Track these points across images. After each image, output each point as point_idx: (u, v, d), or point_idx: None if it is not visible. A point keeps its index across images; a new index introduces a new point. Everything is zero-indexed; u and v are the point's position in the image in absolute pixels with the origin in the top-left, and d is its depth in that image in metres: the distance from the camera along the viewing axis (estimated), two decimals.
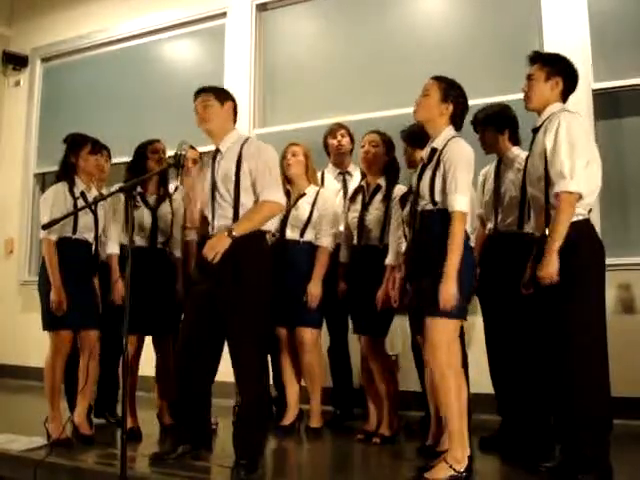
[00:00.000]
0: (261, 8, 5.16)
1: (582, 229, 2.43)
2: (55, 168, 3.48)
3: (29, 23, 6.22)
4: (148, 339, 3.49)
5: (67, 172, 3.34)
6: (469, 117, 2.88)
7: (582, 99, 3.74)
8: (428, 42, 4.51)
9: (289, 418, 3.49)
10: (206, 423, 2.97)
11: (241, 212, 2.76)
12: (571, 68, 2.63)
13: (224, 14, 5.25)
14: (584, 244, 2.42)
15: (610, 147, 3.87)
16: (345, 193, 3.84)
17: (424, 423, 3.17)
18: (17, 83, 6.26)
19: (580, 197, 2.42)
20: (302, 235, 3.49)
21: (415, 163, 3.14)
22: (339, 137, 3.93)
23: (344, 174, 3.96)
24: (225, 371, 2.80)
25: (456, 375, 2.59)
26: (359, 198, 3.47)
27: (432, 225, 2.58)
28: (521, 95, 2.69)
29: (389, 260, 3.21)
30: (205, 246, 2.72)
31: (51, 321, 3.18)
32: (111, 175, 3.79)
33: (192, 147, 2.88)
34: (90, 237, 3.32)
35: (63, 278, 3.16)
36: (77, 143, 3.36)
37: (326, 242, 3.48)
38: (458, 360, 2.64)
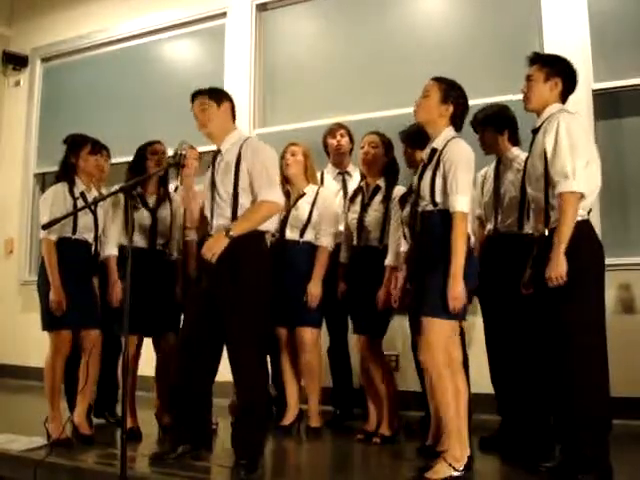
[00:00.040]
0: (261, 8, 5.16)
1: (582, 230, 2.43)
2: (55, 168, 3.48)
3: (29, 23, 6.22)
4: (148, 339, 3.49)
5: (67, 172, 3.34)
6: (469, 117, 2.88)
7: (582, 99, 3.73)
8: (428, 42, 4.51)
9: (289, 418, 3.49)
10: (206, 423, 2.97)
11: (239, 212, 2.77)
12: (570, 69, 2.63)
13: (224, 14, 5.25)
14: (584, 245, 2.42)
15: (610, 147, 3.87)
16: (345, 193, 3.84)
17: (424, 423, 3.17)
18: (17, 83, 6.25)
19: (582, 197, 2.42)
20: (302, 235, 3.49)
21: (415, 163, 3.14)
22: (338, 137, 3.93)
23: (343, 174, 3.96)
24: (225, 371, 2.79)
25: (455, 374, 2.60)
26: (358, 199, 3.47)
27: (433, 226, 2.58)
28: (521, 95, 2.69)
29: (389, 261, 3.21)
30: (203, 246, 2.73)
31: (51, 321, 3.18)
32: (111, 175, 3.79)
33: (192, 147, 2.88)
34: (90, 237, 3.32)
35: (63, 278, 3.16)
36: (77, 143, 3.37)
37: (326, 242, 3.48)
38: (458, 360, 2.65)
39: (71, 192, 3.29)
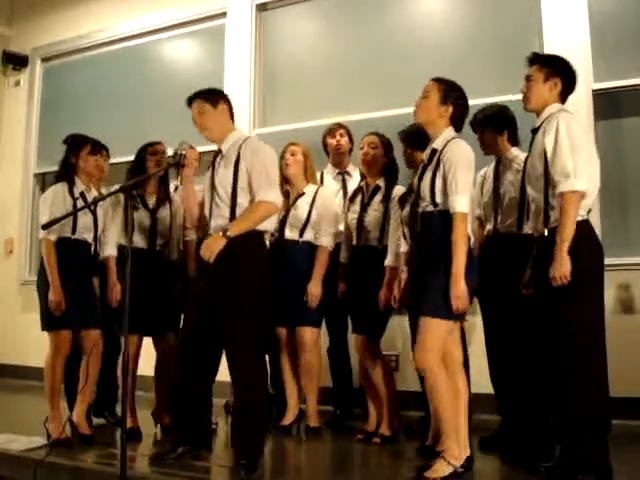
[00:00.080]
0: (261, 8, 5.16)
1: (582, 230, 2.42)
2: (55, 168, 3.48)
3: (29, 23, 6.22)
4: (147, 340, 3.49)
5: (67, 172, 3.35)
6: (469, 117, 2.88)
7: (582, 99, 3.74)
8: (428, 42, 4.51)
9: (289, 418, 3.49)
10: (206, 423, 2.97)
11: (238, 212, 2.76)
12: (570, 69, 2.63)
13: (224, 14, 5.25)
14: (583, 245, 2.42)
15: (610, 147, 3.88)
16: (345, 193, 3.84)
17: (424, 423, 3.17)
18: (17, 83, 6.25)
19: (583, 195, 2.42)
20: (301, 235, 3.49)
21: (415, 163, 3.14)
22: (338, 137, 3.93)
23: (343, 174, 3.96)
24: (225, 371, 2.79)
25: (456, 375, 2.61)
26: (358, 199, 3.47)
27: (433, 227, 2.58)
28: (521, 95, 2.69)
29: (388, 261, 3.21)
30: (201, 246, 2.73)
31: (50, 321, 3.18)
32: (111, 175, 3.79)
33: (192, 147, 2.88)
34: (89, 237, 3.32)
35: (62, 278, 3.16)
36: (77, 144, 3.37)
37: (326, 242, 3.48)
38: (458, 360, 2.66)
39: (71, 192, 3.29)
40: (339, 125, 3.99)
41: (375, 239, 3.36)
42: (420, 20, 4.65)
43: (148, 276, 3.28)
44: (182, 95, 2.93)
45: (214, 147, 2.97)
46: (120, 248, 3.40)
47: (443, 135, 2.64)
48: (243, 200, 2.78)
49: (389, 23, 4.65)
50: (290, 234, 3.50)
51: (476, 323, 3.39)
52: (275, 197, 2.78)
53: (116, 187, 3.00)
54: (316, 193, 3.53)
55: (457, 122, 2.68)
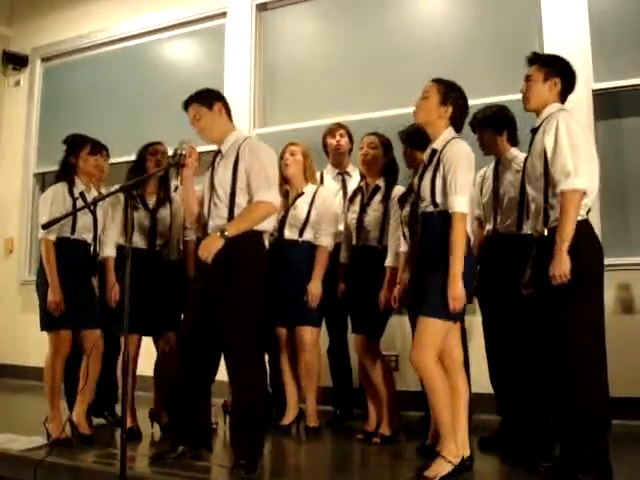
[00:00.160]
0: (261, 8, 5.16)
1: (581, 230, 2.42)
2: (55, 168, 3.48)
3: (29, 23, 6.22)
4: (147, 340, 3.49)
5: (67, 172, 3.35)
6: (468, 118, 2.88)
7: (582, 99, 3.74)
8: (428, 42, 4.51)
9: (289, 418, 3.50)
10: (206, 423, 2.97)
11: (236, 212, 2.76)
12: (569, 69, 2.63)
13: (224, 14, 5.25)
14: (583, 245, 2.42)
15: (610, 147, 3.88)
16: (344, 193, 3.84)
17: (424, 423, 3.17)
18: (17, 83, 6.25)
19: (584, 194, 2.42)
20: (301, 235, 3.49)
21: (414, 163, 3.14)
22: (338, 137, 3.93)
23: (343, 174, 3.96)
24: (225, 371, 2.79)
25: (456, 374, 2.61)
26: (358, 199, 3.48)
27: (433, 227, 2.58)
28: (521, 95, 2.69)
29: (389, 261, 3.21)
30: (199, 246, 2.73)
31: (49, 321, 3.18)
32: (111, 175, 3.79)
33: (192, 147, 2.88)
34: (89, 237, 3.32)
35: (61, 278, 3.16)
36: (77, 144, 3.37)
37: (325, 241, 3.48)
38: (458, 360, 2.66)
39: (71, 192, 3.29)
40: (339, 125, 3.99)
41: (375, 239, 3.36)
42: (420, 20, 4.65)
43: (148, 276, 3.28)
44: (182, 95, 2.93)
45: (214, 147, 2.97)
46: (120, 248, 3.40)
47: (443, 135, 2.64)
48: (242, 200, 2.77)
49: (389, 23, 4.65)
50: (289, 234, 3.50)
51: (476, 323, 3.38)
52: (274, 197, 2.78)
53: (116, 187, 3.00)
54: (315, 193, 3.53)
55: (457, 122, 2.68)
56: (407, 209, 3.04)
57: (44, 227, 3.03)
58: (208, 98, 2.88)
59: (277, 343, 3.53)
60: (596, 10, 3.99)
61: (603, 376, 2.42)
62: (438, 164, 2.58)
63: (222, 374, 2.82)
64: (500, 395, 3.11)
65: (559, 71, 2.61)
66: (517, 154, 3.09)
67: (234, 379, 2.74)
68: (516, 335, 2.89)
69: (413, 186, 2.86)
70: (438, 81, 2.68)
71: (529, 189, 2.66)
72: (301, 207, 3.50)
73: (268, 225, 2.86)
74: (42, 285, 3.20)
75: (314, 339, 3.48)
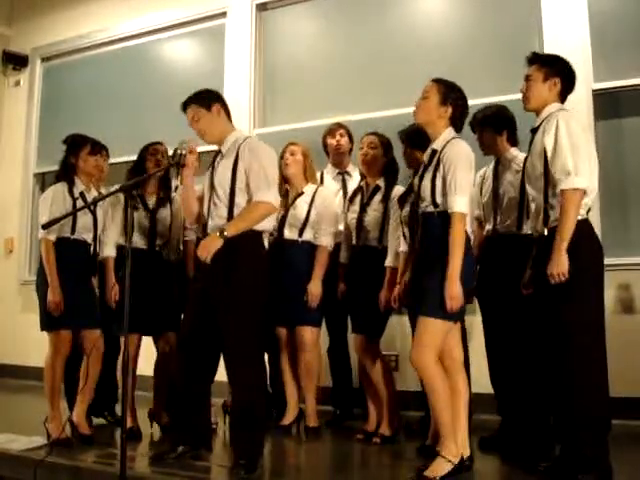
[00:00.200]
0: (261, 8, 5.16)
1: (581, 229, 2.42)
2: (55, 168, 3.49)
3: (29, 23, 6.22)
4: (147, 340, 3.49)
5: (67, 172, 3.35)
6: (468, 118, 2.88)
7: (582, 99, 3.74)
8: (428, 42, 4.51)
9: (289, 418, 3.50)
10: (206, 423, 2.97)
11: (236, 212, 2.76)
12: (569, 69, 2.63)
13: (224, 14, 5.25)
14: (583, 245, 2.42)
15: (610, 147, 3.88)
16: (345, 193, 3.84)
17: (424, 423, 3.17)
18: (17, 83, 6.25)
19: (585, 194, 2.42)
20: (301, 235, 3.49)
21: (414, 163, 3.14)
22: (338, 137, 3.93)
23: (343, 174, 3.96)
24: (224, 371, 2.79)
25: (456, 374, 2.61)
26: (358, 199, 3.48)
27: (433, 227, 2.58)
28: (521, 95, 2.70)
29: (389, 261, 3.22)
30: (198, 246, 2.73)
31: (49, 321, 3.18)
32: (111, 175, 3.79)
33: (192, 147, 2.88)
34: (89, 237, 3.32)
35: (61, 278, 3.16)
36: (77, 144, 3.37)
37: (325, 241, 3.48)
38: (458, 360, 2.66)
39: (71, 192, 3.29)
40: (339, 125, 3.99)
41: (375, 239, 3.36)
42: (420, 20, 4.65)
43: (148, 276, 3.28)
44: (182, 95, 2.93)
45: (214, 147, 2.97)
46: (120, 248, 3.40)
47: (443, 136, 2.64)
48: (241, 200, 2.77)
49: (389, 23, 4.65)
50: (289, 234, 3.50)
51: (476, 323, 3.38)
52: (273, 198, 2.77)
53: (116, 187, 3.00)
54: (315, 193, 3.53)
55: (457, 123, 2.68)
56: (407, 209, 3.04)
57: (44, 227, 3.03)
58: (206, 99, 2.87)
59: (277, 343, 3.53)
60: (596, 10, 3.99)
61: (603, 376, 2.42)
62: (438, 164, 2.58)
63: (222, 374, 2.81)
64: (500, 395, 3.11)
65: (559, 71, 2.61)
66: (517, 154, 3.09)
67: (234, 379, 2.74)
68: (516, 335, 2.89)
69: (413, 186, 2.86)
70: (438, 81, 2.68)
71: (529, 189, 2.66)
72: (301, 207, 3.50)
73: (268, 225, 2.86)
74: (42, 285, 3.20)
75: (314, 339, 3.48)
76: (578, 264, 2.37)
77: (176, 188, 3.62)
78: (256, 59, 5.10)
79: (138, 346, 3.44)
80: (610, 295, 3.51)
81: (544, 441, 2.73)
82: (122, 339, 3.00)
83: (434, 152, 2.63)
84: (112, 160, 3.86)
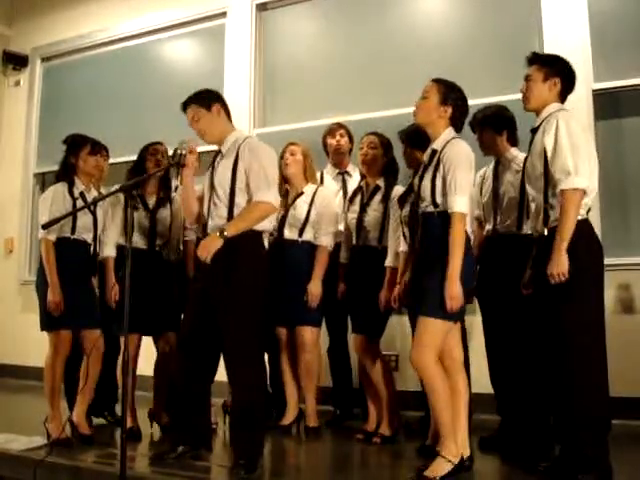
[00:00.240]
0: (261, 8, 5.16)
1: (581, 229, 2.43)
2: (55, 168, 3.48)
3: (29, 23, 6.22)
4: (147, 340, 3.49)
5: (67, 172, 3.35)
6: (468, 118, 2.88)
7: (582, 99, 3.74)
8: (428, 42, 4.51)
9: (288, 418, 3.50)
10: (206, 423, 2.97)
11: (235, 212, 2.76)
12: (569, 69, 2.63)
13: (224, 14, 5.25)
14: (583, 245, 2.42)
15: (610, 147, 3.88)
16: (345, 193, 3.84)
17: (424, 423, 3.17)
18: (17, 83, 6.25)
19: (585, 193, 2.42)
20: (300, 235, 3.49)
21: (414, 163, 3.14)
22: (338, 137, 3.93)
23: (343, 174, 3.96)
24: (224, 371, 2.79)
25: (456, 374, 2.61)
26: (358, 199, 3.48)
27: (433, 227, 2.58)
28: (521, 95, 2.70)
29: (389, 261, 3.22)
30: (198, 246, 2.73)
31: (49, 321, 3.18)
32: (111, 175, 3.79)
33: (192, 147, 2.88)
34: (89, 238, 3.32)
35: (61, 278, 3.16)
36: (77, 144, 3.37)
37: (325, 241, 3.48)
38: (458, 360, 2.66)
39: (70, 192, 3.29)
40: (339, 125, 3.99)
41: (375, 239, 3.36)
42: (420, 20, 4.65)
43: (148, 276, 3.28)
44: (182, 95, 2.93)
45: (214, 147, 2.97)
46: (120, 248, 3.40)
47: (443, 136, 2.64)
48: (241, 200, 2.77)
49: (389, 23, 4.65)
50: (289, 234, 3.50)
51: (476, 323, 3.38)
52: (273, 198, 2.77)
53: (116, 187, 3.00)
54: (315, 193, 3.53)
55: (457, 123, 2.68)
56: (407, 209, 3.04)
57: (44, 227, 3.03)
58: (206, 99, 2.87)
59: (277, 343, 3.53)
60: (596, 10, 3.99)
61: (603, 376, 2.42)
62: (438, 164, 2.58)
63: (222, 374, 2.81)
64: (500, 395, 3.11)
65: (559, 71, 2.61)
66: (517, 154, 3.09)
67: (234, 379, 2.74)
68: (516, 335, 2.89)
69: (413, 186, 2.86)
70: (438, 81, 2.68)
71: (529, 189, 2.66)
72: (301, 207, 3.50)
73: (268, 225, 2.86)
74: (42, 285, 3.20)
75: (314, 339, 3.48)
76: (578, 264, 2.37)
77: (176, 188, 3.62)
78: (256, 59, 5.10)
79: (138, 346, 3.44)
80: (610, 295, 3.51)
81: (544, 441, 2.73)
82: (122, 339, 3.00)
83: (434, 152, 2.63)
84: (112, 160, 3.87)
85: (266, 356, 3.48)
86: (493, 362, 3.11)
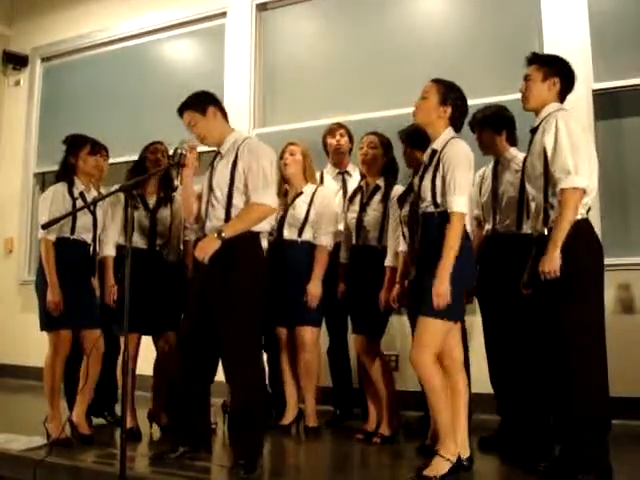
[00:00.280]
0: (261, 8, 5.16)
1: (581, 229, 2.43)
2: (55, 168, 3.48)
3: (29, 23, 6.22)
4: (147, 339, 3.49)
5: (66, 173, 3.34)
6: (468, 118, 2.88)
7: (582, 99, 3.74)
8: (428, 42, 4.51)
9: (288, 418, 3.49)
10: (205, 423, 2.97)
11: (233, 213, 2.75)
12: (568, 68, 2.63)
13: (224, 14, 5.25)
14: (583, 244, 2.42)
15: (610, 147, 3.88)
16: (345, 193, 3.84)
17: (424, 423, 3.17)
18: (17, 83, 6.25)
19: (584, 193, 2.42)
20: (300, 235, 3.49)
21: (414, 163, 3.14)
22: (338, 137, 3.93)
23: (343, 174, 3.96)
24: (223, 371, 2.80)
25: (456, 374, 2.61)
26: (357, 199, 3.47)
27: (433, 227, 2.57)
28: (520, 95, 2.70)
29: (388, 261, 3.21)
30: (196, 247, 2.73)
31: (49, 321, 3.18)
32: (111, 175, 3.79)
33: (192, 146, 2.88)
34: (88, 238, 3.32)
35: (61, 278, 3.16)
36: (76, 144, 3.37)
37: (325, 241, 3.47)
38: (458, 360, 2.66)
39: (70, 192, 3.29)
40: (339, 125, 3.99)
41: (374, 239, 3.36)
42: (420, 20, 4.65)
43: (148, 276, 3.28)
44: (182, 95, 2.93)
45: (214, 147, 2.97)
46: (120, 248, 3.40)
47: (443, 136, 2.64)
48: (239, 201, 2.76)
49: (389, 23, 4.65)
50: (289, 234, 3.50)
51: (476, 323, 3.38)
52: (271, 200, 2.77)
53: (116, 187, 3.00)
54: (314, 193, 3.53)
55: (456, 123, 2.68)
56: (406, 209, 3.04)
57: (44, 227, 3.03)
58: (201, 103, 2.86)
59: (277, 343, 3.53)
60: (596, 10, 3.99)
61: (603, 376, 2.42)
62: (438, 164, 2.58)
63: (222, 374, 2.82)
64: (500, 395, 3.11)
65: (558, 71, 2.61)
66: (516, 154, 3.09)
67: (232, 380, 2.74)
68: (516, 335, 2.89)
69: (413, 186, 2.86)
70: (437, 81, 2.68)
71: (529, 188, 2.66)
72: (300, 207, 3.50)
73: (265, 226, 2.86)
74: (41, 285, 3.20)
75: (314, 339, 3.48)
76: (578, 264, 2.37)
77: (176, 188, 3.62)
78: (256, 59, 5.10)
79: (138, 345, 3.43)
80: (610, 295, 3.51)
81: (544, 441, 2.73)
82: (122, 339, 3.00)
83: (434, 152, 2.63)
84: (112, 160, 3.87)
85: (266, 356, 3.50)
86: (493, 362, 3.11)
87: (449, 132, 2.65)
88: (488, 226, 3.15)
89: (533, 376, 2.76)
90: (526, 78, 2.65)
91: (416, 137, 3.03)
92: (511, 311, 2.86)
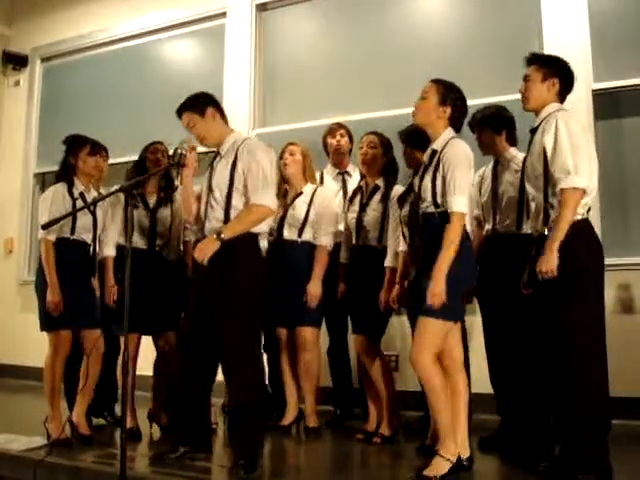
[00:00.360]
0: (261, 8, 5.16)
1: (581, 229, 2.43)
2: (55, 168, 3.48)
3: (29, 23, 6.22)
4: (147, 339, 3.49)
5: (66, 173, 3.34)
6: (468, 118, 2.88)
7: (582, 99, 3.74)
8: (428, 42, 4.51)
9: (288, 418, 3.49)
10: (206, 423, 2.97)
11: (232, 214, 2.75)
12: (568, 69, 2.64)
13: (224, 14, 5.25)
14: (583, 244, 2.42)
15: (610, 147, 3.88)
16: (345, 193, 3.84)
17: (424, 423, 3.17)
18: (17, 83, 6.25)
19: (584, 193, 2.42)
20: (300, 235, 3.49)
21: (414, 163, 3.14)
22: (338, 137, 3.93)
23: (343, 174, 3.96)
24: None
25: (456, 374, 2.61)
26: (357, 199, 3.47)
27: (434, 228, 2.57)
28: (520, 95, 2.70)
29: (388, 261, 3.21)
30: (195, 249, 2.73)
31: (48, 321, 3.17)
32: (111, 175, 3.79)
33: (192, 146, 2.88)
34: (88, 238, 3.32)
35: (60, 279, 3.16)
36: (76, 144, 3.37)
37: (325, 241, 3.47)
38: (458, 360, 2.66)
39: (70, 192, 3.29)
40: (339, 125, 3.99)
41: (374, 239, 3.36)
42: (420, 20, 4.65)
43: (148, 276, 3.28)
44: (182, 95, 2.93)
45: (214, 148, 2.96)
46: (120, 248, 3.40)
47: (442, 136, 2.64)
48: (238, 202, 2.76)
49: (389, 23, 4.65)
50: (289, 234, 3.50)
51: (476, 323, 3.38)
52: (270, 201, 2.76)
53: (116, 187, 3.00)
54: (314, 193, 3.53)
55: (456, 123, 2.68)
56: (406, 209, 3.04)
57: (44, 227, 3.03)
58: (199, 104, 2.86)
59: (277, 343, 3.53)
60: (596, 10, 3.99)
61: (603, 376, 2.42)
62: (438, 164, 2.58)
63: (221, 374, 2.82)
64: (500, 395, 3.11)
65: (557, 71, 2.61)
66: (516, 154, 3.09)
67: (232, 380, 2.74)
68: (516, 335, 2.89)
69: (413, 186, 2.86)
70: (437, 81, 2.68)
71: (529, 188, 2.66)
72: (300, 207, 3.50)
73: (264, 227, 2.85)
74: (41, 285, 3.20)
75: (314, 339, 3.48)
76: (578, 264, 2.37)
77: (176, 188, 3.62)
78: (256, 59, 5.10)
79: (138, 345, 3.43)
80: (610, 295, 3.51)
81: (544, 441, 2.73)
82: (122, 339, 3.00)
83: (434, 152, 2.63)
84: (112, 160, 3.87)
85: (266, 356, 3.50)
86: (493, 362, 3.11)
87: (449, 132, 2.65)
88: (488, 226, 3.15)
89: (533, 376, 2.76)
90: (526, 78, 2.65)
91: (416, 137, 3.03)
92: (511, 311, 2.86)
